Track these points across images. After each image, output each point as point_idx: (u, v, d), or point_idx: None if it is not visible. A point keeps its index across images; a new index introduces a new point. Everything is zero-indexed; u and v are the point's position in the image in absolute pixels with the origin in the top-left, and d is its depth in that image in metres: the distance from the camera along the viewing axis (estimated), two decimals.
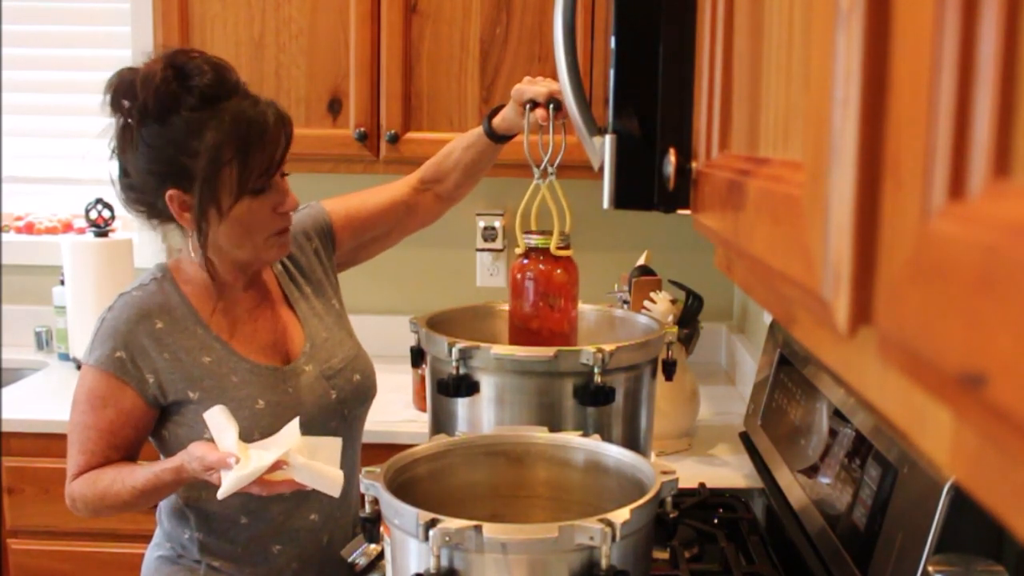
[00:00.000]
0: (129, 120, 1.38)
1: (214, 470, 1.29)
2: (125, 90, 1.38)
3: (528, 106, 1.52)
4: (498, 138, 1.64)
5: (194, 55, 1.41)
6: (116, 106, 1.39)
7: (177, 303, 1.47)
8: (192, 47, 2.37)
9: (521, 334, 1.48)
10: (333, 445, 1.35)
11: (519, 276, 1.49)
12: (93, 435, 1.43)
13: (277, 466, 1.29)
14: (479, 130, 1.66)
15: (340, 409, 1.54)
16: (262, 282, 1.56)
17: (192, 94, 1.36)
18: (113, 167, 1.44)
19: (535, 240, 1.48)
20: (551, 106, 1.51)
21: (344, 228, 1.66)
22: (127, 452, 1.46)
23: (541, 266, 1.47)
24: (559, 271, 1.48)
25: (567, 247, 1.49)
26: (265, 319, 1.54)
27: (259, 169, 1.39)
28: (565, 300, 1.48)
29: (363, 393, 1.59)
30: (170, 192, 1.39)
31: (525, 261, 1.49)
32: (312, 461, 1.31)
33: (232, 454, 1.28)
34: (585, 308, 1.63)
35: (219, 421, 1.32)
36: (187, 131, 1.35)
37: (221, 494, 1.28)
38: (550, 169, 1.50)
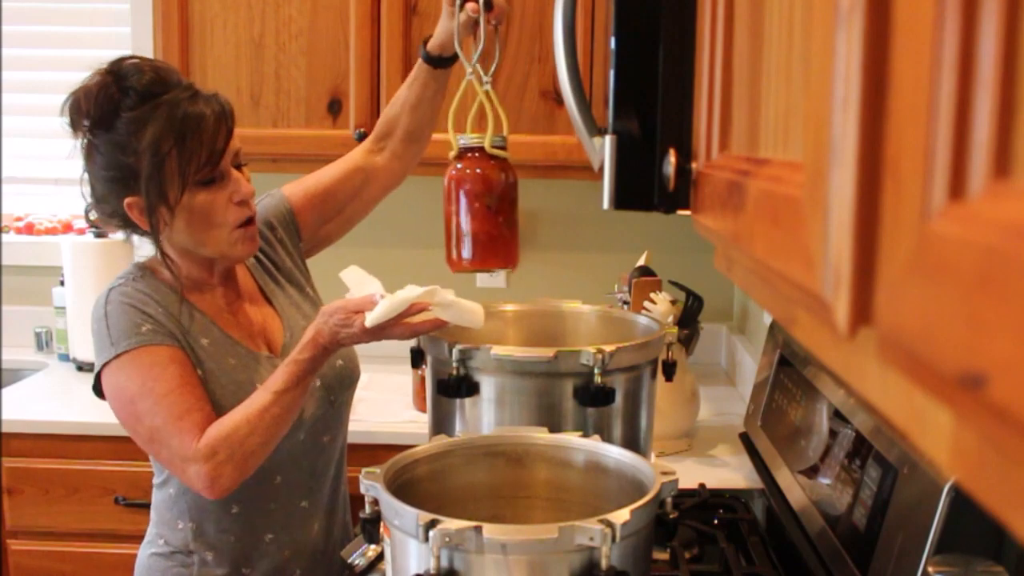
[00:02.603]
0: (86, 137, 1.41)
1: (359, 313, 1.31)
2: (75, 108, 1.40)
3: (459, 2, 1.52)
4: (436, 61, 1.61)
5: (133, 59, 1.42)
6: (73, 126, 1.41)
7: (168, 292, 1.46)
8: (191, 48, 2.37)
9: (458, 242, 1.45)
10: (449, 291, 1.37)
11: (454, 176, 1.44)
12: (175, 395, 1.37)
13: (420, 307, 1.31)
14: (419, 62, 1.64)
15: (326, 396, 1.53)
16: (237, 278, 1.55)
17: (129, 95, 1.37)
18: (85, 188, 1.46)
19: (469, 138, 1.44)
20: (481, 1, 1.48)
21: (305, 208, 1.65)
22: (210, 402, 1.41)
23: (478, 169, 1.43)
24: (496, 170, 1.44)
25: (503, 147, 1.45)
26: (244, 314, 1.54)
27: (200, 159, 1.38)
28: (503, 202, 1.43)
29: (347, 377, 1.59)
30: (128, 200, 1.39)
31: (459, 165, 1.44)
32: (455, 299, 1.32)
33: (376, 293, 1.32)
34: (585, 308, 1.63)
35: (358, 276, 1.36)
36: (128, 131, 1.37)
37: (370, 321, 1.29)
38: (484, 76, 1.46)
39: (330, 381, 1.54)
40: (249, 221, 1.45)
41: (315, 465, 1.55)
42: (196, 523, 1.48)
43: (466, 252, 1.41)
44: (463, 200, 1.41)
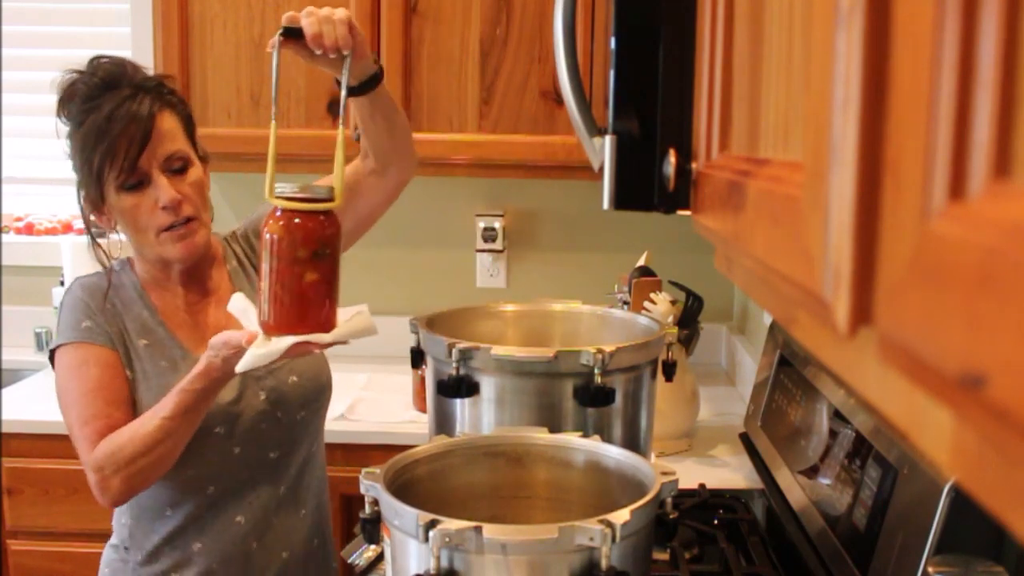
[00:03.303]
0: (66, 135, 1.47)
1: (241, 350, 1.28)
2: (58, 101, 1.46)
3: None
4: (349, 90, 1.44)
5: (103, 58, 1.45)
6: (58, 116, 1.47)
7: (130, 288, 1.52)
8: (191, 48, 2.37)
9: (265, 302, 1.27)
10: (361, 312, 1.31)
11: (264, 228, 1.27)
12: (87, 399, 1.42)
13: (305, 347, 1.26)
14: None
15: (272, 411, 1.52)
16: (206, 280, 1.57)
17: (79, 93, 1.41)
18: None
19: (283, 187, 1.26)
20: (279, 34, 1.33)
21: None
22: (127, 408, 1.44)
23: (293, 220, 1.26)
24: (311, 223, 1.26)
25: (324, 198, 1.27)
26: (207, 315, 1.55)
27: (117, 164, 1.39)
28: (317, 260, 1.26)
29: (301, 397, 1.55)
30: (82, 201, 1.46)
31: (276, 215, 1.27)
32: (340, 328, 1.27)
33: (248, 332, 1.27)
34: (585, 308, 1.63)
35: (242, 306, 1.32)
36: (72, 130, 1.43)
37: (239, 368, 1.26)
38: (273, 108, 1.31)
39: (278, 397, 1.52)
40: (179, 223, 1.44)
41: (257, 481, 1.53)
42: (134, 521, 1.51)
43: (271, 315, 1.26)
44: (270, 255, 1.26)
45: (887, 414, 0.40)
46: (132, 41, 2.58)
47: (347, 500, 2.18)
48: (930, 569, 0.89)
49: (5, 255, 2.77)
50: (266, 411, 1.51)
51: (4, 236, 2.79)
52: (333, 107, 2.33)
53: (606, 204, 0.94)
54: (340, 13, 1.35)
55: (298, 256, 1.24)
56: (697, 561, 1.49)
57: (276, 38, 1.33)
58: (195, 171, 1.48)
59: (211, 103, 2.35)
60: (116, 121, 1.39)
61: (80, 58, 1.46)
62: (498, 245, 2.69)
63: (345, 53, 1.36)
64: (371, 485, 1.06)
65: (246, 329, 1.29)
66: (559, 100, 2.27)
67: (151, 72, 1.52)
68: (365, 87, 1.47)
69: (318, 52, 1.36)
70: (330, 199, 1.27)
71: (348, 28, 1.35)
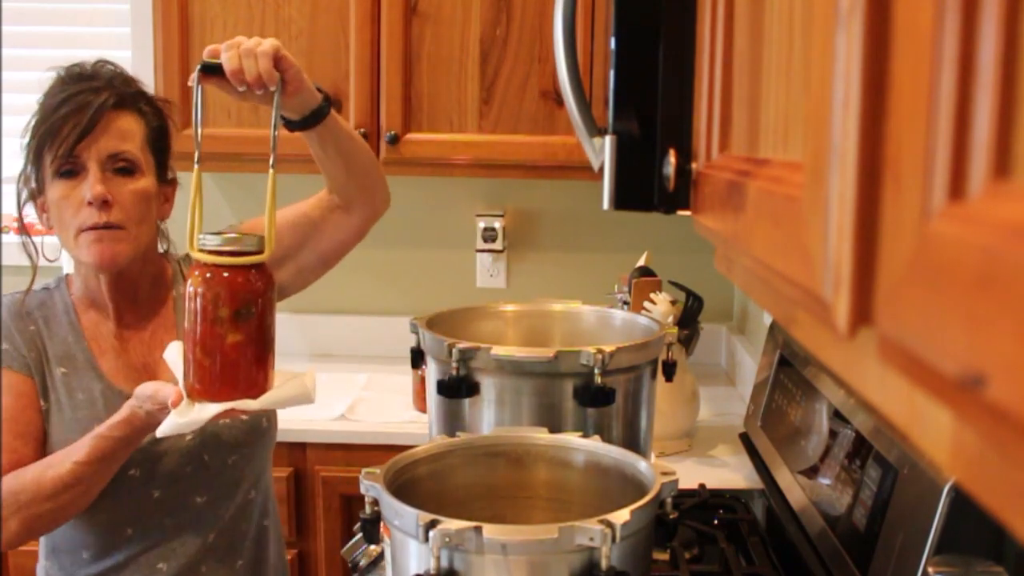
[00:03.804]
0: None
1: (167, 409, 1.17)
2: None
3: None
4: (289, 126, 1.37)
5: (106, 62, 1.41)
6: None
7: (60, 308, 1.42)
8: (192, 49, 2.37)
9: (188, 364, 1.19)
10: (301, 376, 1.22)
11: (186, 283, 1.19)
12: None
13: (231, 414, 1.18)
14: None
15: (199, 454, 1.40)
16: (148, 302, 1.45)
17: (55, 81, 1.38)
18: None
19: (207, 239, 1.17)
20: (198, 70, 1.26)
21: None
22: (36, 443, 1.34)
23: (215, 274, 1.17)
24: (238, 278, 1.17)
25: (252, 250, 1.18)
26: (139, 342, 1.43)
27: (57, 146, 1.32)
28: (245, 319, 1.17)
29: (234, 439, 1.43)
30: (21, 185, 1.41)
31: (196, 273, 1.18)
32: (271, 393, 1.19)
33: (175, 390, 1.17)
34: (585, 308, 1.63)
35: (174, 358, 1.21)
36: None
37: (159, 433, 1.17)
38: (196, 153, 1.22)
39: (206, 437, 1.40)
40: (101, 226, 1.33)
41: (181, 527, 1.42)
42: (49, 561, 1.45)
43: (194, 378, 1.17)
44: (191, 314, 1.17)
45: (887, 414, 0.40)
46: (132, 41, 2.58)
47: (347, 500, 2.18)
48: (930, 569, 0.89)
49: (5, 255, 2.77)
50: (192, 453, 1.39)
51: (4, 236, 2.79)
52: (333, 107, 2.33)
53: (606, 204, 0.94)
54: (266, 45, 1.25)
55: (220, 316, 1.15)
56: (697, 561, 1.49)
57: (195, 75, 1.25)
58: (142, 182, 1.36)
59: (211, 103, 2.34)
60: (66, 104, 1.33)
61: (80, 59, 1.44)
62: (498, 245, 2.69)
63: (272, 88, 1.26)
64: (371, 485, 1.06)
65: (171, 387, 1.18)
66: (559, 100, 2.27)
67: (150, 91, 1.46)
68: (308, 122, 1.35)
69: (241, 88, 1.27)
70: (258, 251, 1.17)
71: (273, 61, 1.25)
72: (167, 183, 1.45)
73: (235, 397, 1.17)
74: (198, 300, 1.15)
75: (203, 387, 1.17)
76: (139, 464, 1.36)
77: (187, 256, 1.46)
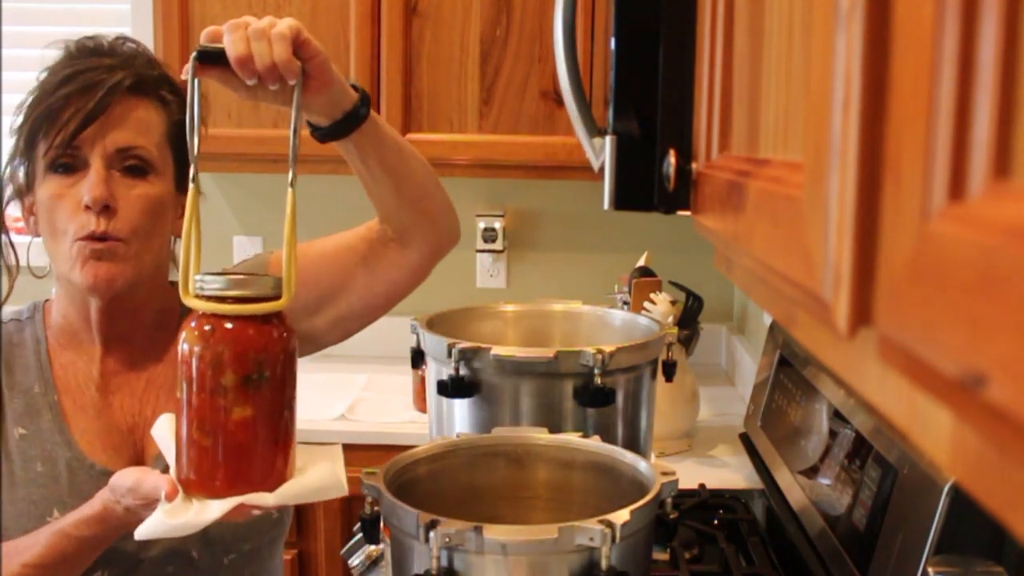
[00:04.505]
0: None
1: (153, 504, 0.90)
2: None
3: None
4: (316, 134, 1.11)
5: (127, 39, 1.17)
6: None
7: (30, 348, 1.15)
8: (192, 49, 2.37)
9: (183, 449, 0.90)
10: (328, 454, 0.99)
11: (182, 340, 0.90)
12: None
13: (240, 512, 0.90)
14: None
15: (186, 550, 1.11)
16: (146, 347, 1.16)
17: (61, 54, 1.14)
18: None
19: (209, 281, 0.90)
20: (194, 57, 0.99)
21: None
22: None
23: (222, 326, 0.89)
24: (253, 334, 0.89)
25: (270, 295, 0.91)
26: (129, 397, 1.14)
27: (55, 131, 1.06)
28: (259, 386, 0.89)
29: (228, 536, 1.13)
30: (5, 177, 1.14)
31: (192, 324, 0.91)
32: (293, 483, 0.93)
33: (168, 480, 0.89)
34: (585, 308, 1.63)
35: (164, 436, 0.95)
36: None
37: (139, 535, 0.89)
38: (192, 169, 0.96)
39: (197, 532, 1.00)
40: (97, 236, 1.06)
41: None
42: None
43: (189, 466, 0.90)
44: (185, 381, 0.89)
45: (887, 414, 0.40)
46: None
47: (347, 500, 2.18)
48: (930, 569, 0.89)
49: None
50: (176, 551, 1.09)
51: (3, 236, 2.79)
52: None
53: (606, 204, 0.94)
54: (282, 25, 0.97)
55: (223, 383, 0.87)
56: (697, 561, 1.49)
57: (191, 64, 0.97)
58: (155, 186, 1.11)
59: (212, 103, 2.34)
60: (70, 83, 1.06)
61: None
62: (498, 245, 2.69)
63: (291, 82, 0.97)
64: (371, 485, 1.06)
65: (162, 476, 0.90)
66: (559, 100, 2.27)
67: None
68: (341, 128, 1.07)
69: (250, 81, 0.98)
70: (274, 296, 0.90)
71: (292, 45, 0.96)
72: (186, 192, 1.14)
73: (245, 490, 0.89)
74: (195, 362, 0.88)
75: (201, 478, 0.89)
76: (107, 564, 1.06)
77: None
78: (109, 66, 1.10)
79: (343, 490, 0.97)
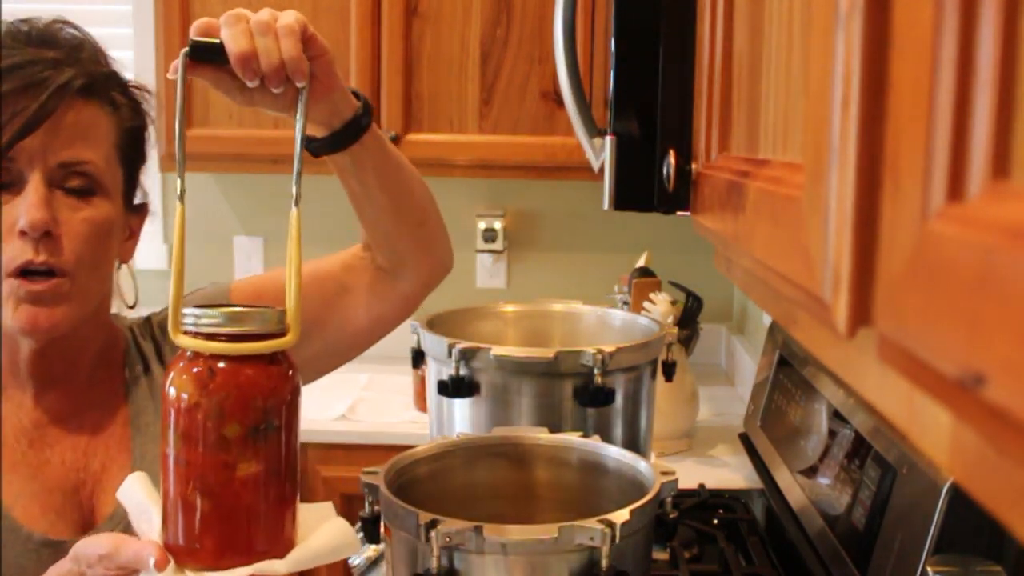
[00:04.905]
0: None
1: (128, 572, 0.75)
2: None
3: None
4: (310, 146, 0.99)
5: (75, 27, 0.99)
6: None
7: None
8: None
9: (171, 513, 0.76)
10: (321, 512, 0.86)
11: (170, 386, 0.76)
12: None
13: None
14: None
15: None
16: (89, 388, 0.99)
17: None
18: None
19: (199, 316, 0.75)
20: (185, 53, 0.83)
21: None
22: None
23: (221, 363, 0.75)
24: (257, 378, 0.75)
25: (275, 331, 0.77)
26: (68, 449, 0.96)
27: None
28: (264, 439, 0.76)
29: None
30: None
31: (181, 365, 0.76)
32: (303, 546, 0.80)
33: (156, 546, 0.74)
34: (585, 308, 1.63)
35: (139, 499, 0.80)
36: None
37: None
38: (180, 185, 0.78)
39: None
40: (37, 270, 0.89)
41: None
42: None
43: (182, 533, 0.76)
44: (178, 434, 0.75)
45: (887, 414, 0.40)
46: (134, 42, 2.58)
47: (347, 500, 2.18)
48: (929, 569, 0.89)
49: None
50: None
51: None
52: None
53: (606, 204, 0.94)
54: (288, 19, 0.85)
55: (226, 435, 0.74)
56: (697, 561, 1.49)
57: (180, 59, 0.82)
58: (102, 209, 0.94)
59: (212, 103, 2.35)
60: (9, 81, 0.88)
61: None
62: (498, 245, 2.69)
63: (299, 85, 0.85)
64: (371, 485, 1.06)
65: (147, 542, 0.75)
66: (559, 101, 2.27)
67: (130, 77, 1.02)
68: (340, 139, 0.95)
69: (251, 83, 0.84)
70: (279, 332, 0.76)
71: (301, 41, 0.85)
72: (135, 211, 1.02)
73: (252, 559, 0.76)
74: (188, 413, 0.74)
75: (199, 545, 0.75)
76: None
77: (145, 321, 1.07)
78: (53, 60, 0.91)
79: (357, 547, 0.87)
